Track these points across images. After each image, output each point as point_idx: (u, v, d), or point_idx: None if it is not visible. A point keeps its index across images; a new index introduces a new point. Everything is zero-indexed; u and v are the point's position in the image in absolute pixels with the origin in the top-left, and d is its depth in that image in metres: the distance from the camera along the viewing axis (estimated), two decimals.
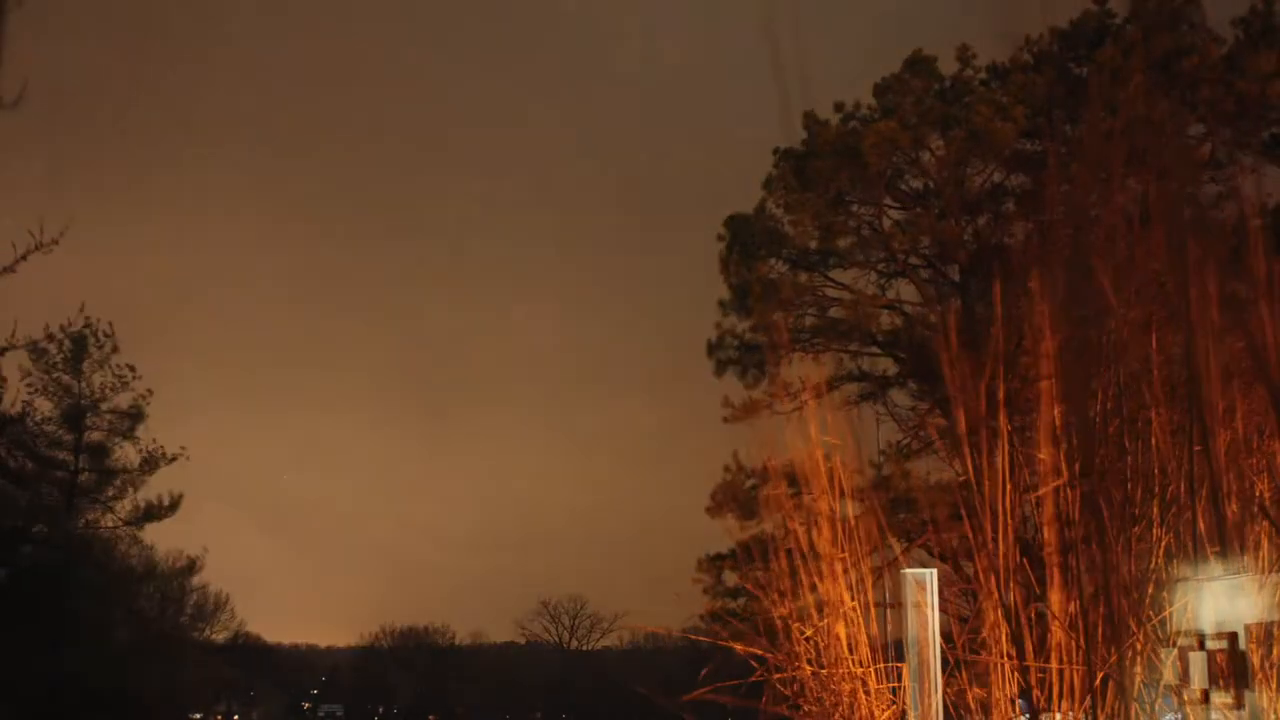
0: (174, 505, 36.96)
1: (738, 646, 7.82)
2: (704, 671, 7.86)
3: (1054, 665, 6.67)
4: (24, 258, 11.60)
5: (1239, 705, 5.44)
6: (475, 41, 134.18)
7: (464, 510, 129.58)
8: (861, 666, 7.45)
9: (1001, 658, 6.85)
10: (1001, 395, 7.17)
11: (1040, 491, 6.99)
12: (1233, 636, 5.54)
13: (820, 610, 7.60)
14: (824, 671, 7.52)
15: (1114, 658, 6.47)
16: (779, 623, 7.75)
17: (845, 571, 7.58)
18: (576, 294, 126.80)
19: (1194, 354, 6.51)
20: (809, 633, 7.57)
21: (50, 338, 34.47)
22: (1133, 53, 18.62)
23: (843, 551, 7.59)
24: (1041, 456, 6.90)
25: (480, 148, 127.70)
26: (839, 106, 22.37)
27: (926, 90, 21.70)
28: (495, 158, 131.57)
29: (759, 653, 7.74)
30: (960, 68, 21.84)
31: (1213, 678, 5.63)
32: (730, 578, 22.26)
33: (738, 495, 21.26)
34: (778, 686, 7.67)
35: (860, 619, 7.54)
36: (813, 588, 7.66)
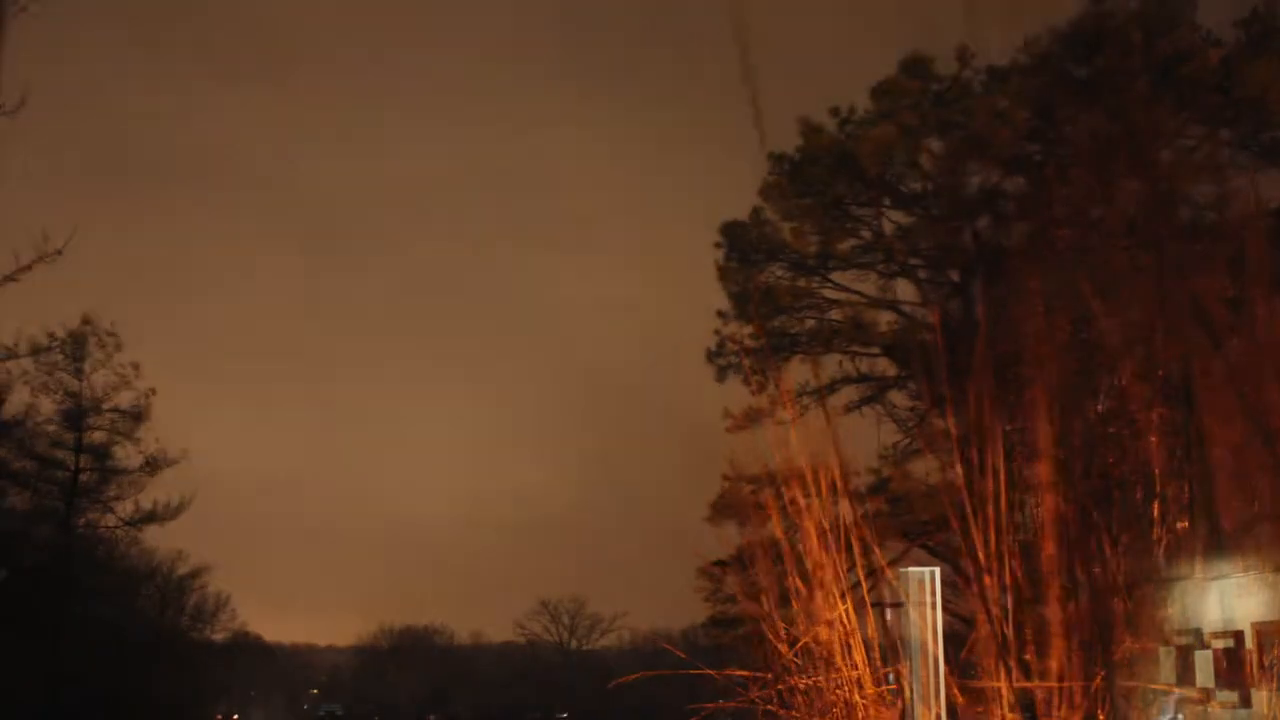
0: (180, 508, 36.85)
1: (731, 672, 7.80)
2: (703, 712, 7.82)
3: (1052, 673, 6.68)
4: (29, 267, 11.53)
5: (1244, 704, 5.45)
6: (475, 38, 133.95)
7: (466, 508, 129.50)
8: (855, 670, 7.44)
9: (998, 680, 6.85)
10: (996, 398, 7.18)
11: (1038, 494, 7.01)
12: (1239, 635, 5.55)
13: (809, 617, 7.59)
14: (813, 680, 7.51)
15: (1114, 656, 6.48)
16: (770, 629, 7.73)
17: (836, 577, 7.57)
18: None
19: (1192, 356, 6.53)
20: (802, 639, 7.56)
21: (52, 337, 34.41)
22: (1132, 56, 18.62)
23: (833, 556, 7.58)
24: (1039, 464, 6.91)
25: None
26: (835, 111, 22.36)
27: (924, 93, 21.68)
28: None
29: (750, 675, 7.72)
30: (959, 68, 21.80)
31: (1217, 677, 5.64)
32: (730, 584, 22.31)
33: (735, 503, 21.26)
34: (772, 701, 7.66)
35: (855, 622, 7.52)
36: (798, 594, 7.65)
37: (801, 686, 7.48)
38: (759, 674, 7.59)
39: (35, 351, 32.84)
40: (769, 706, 7.54)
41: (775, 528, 7.89)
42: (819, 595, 7.44)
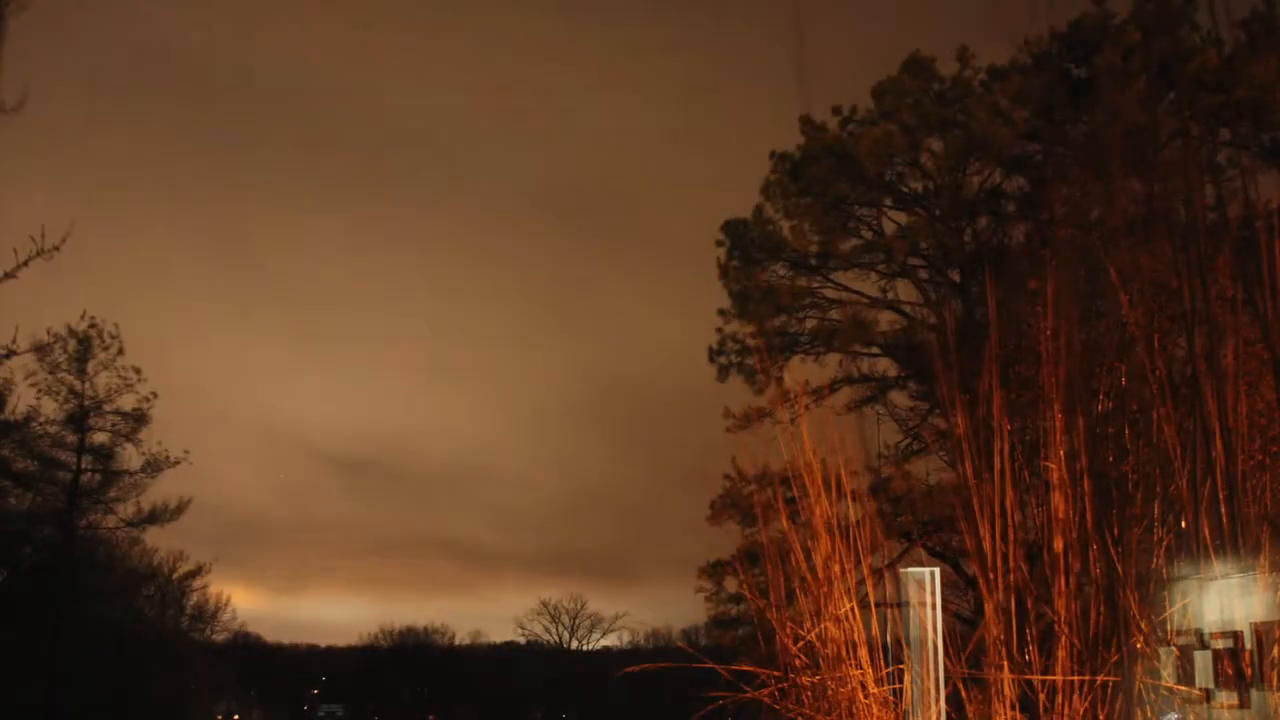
0: (180, 509, 36.97)
1: (739, 666, 7.80)
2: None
3: (1057, 671, 6.69)
4: (26, 263, 11.49)
5: (1244, 704, 5.46)
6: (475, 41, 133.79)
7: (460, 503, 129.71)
8: (860, 669, 7.45)
9: (1002, 670, 6.86)
10: (1001, 397, 7.19)
11: (1042, 494, 7.02)
12: (1238, 636, 5.56)
13: (817, 615, 7.59)
14: (819, 678, 7.51)
15: (1115, 658, 6.49)
16: (776, 628, 7.74)
17: (843, 575, 7.58)
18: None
19: (1196, 354, 6.53)
20: (809, 635, 7.57)
21: (56, 338, 34.53)
22: (1133, 55, 18.65)
23: (839, 555, 7.59)
24: (1046, 463, 6.92)
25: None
26: (837, 110, 22.42)
27: (924, 92, 21.72)
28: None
29: (759, 670, 7.73)
30: (959, 69, 21.86)
31: (1217, 677, 5.65)
32: (731, 584, 22.36)
33: (738, 502, 21.31)
34: (776, 698, 7.66)
35: (859, 621, 7.53)
36: (807, 591, 7.66)
37: (807, 684, 7.48)
38: (767, 670, 7.60)
39: (38, 349, 32.99)
40: (778, 704, 7.54)
41: (784, 522, 7.91)
42: (826, 590, 7.45)
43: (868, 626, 7.44)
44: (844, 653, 7.37)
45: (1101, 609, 6.57)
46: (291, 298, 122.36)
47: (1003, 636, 6.85)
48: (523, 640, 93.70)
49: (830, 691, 7.39)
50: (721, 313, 23.13)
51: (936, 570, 8.10)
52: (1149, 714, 6.60)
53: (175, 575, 47.06)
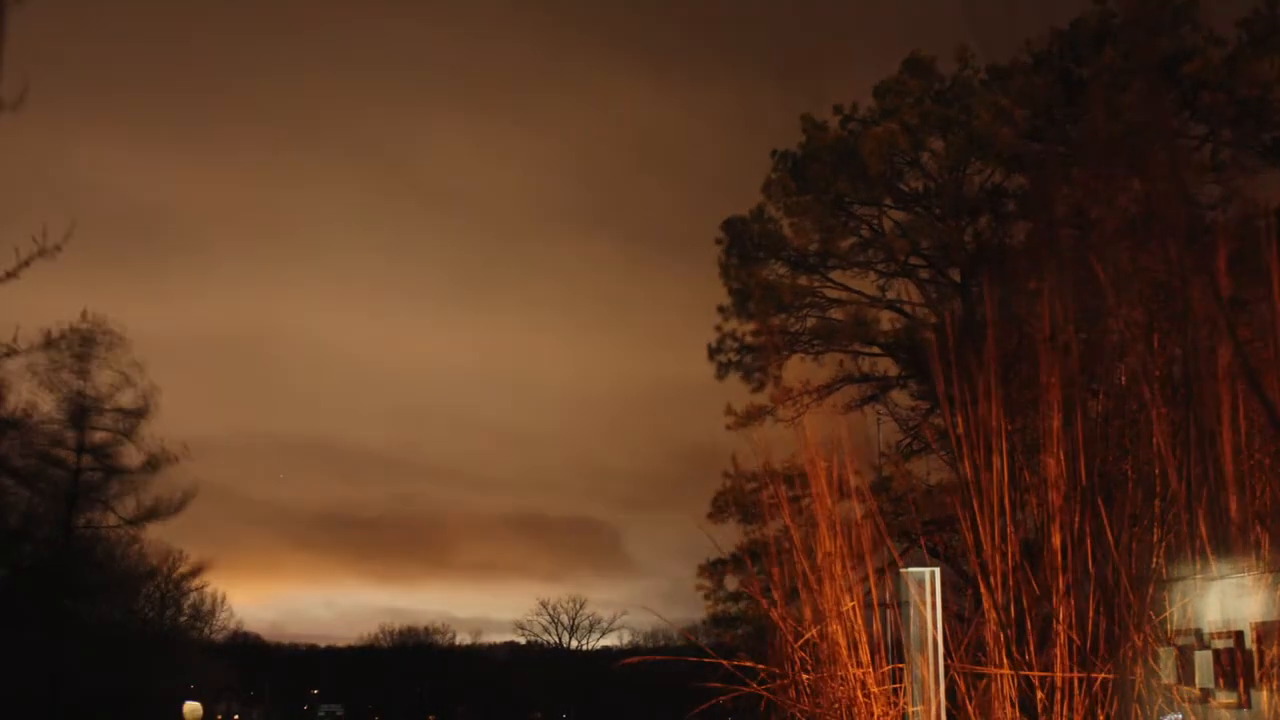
0: (182, 504, 36.73)
1: (734, 663, 7.79)
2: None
3: (1056, 669, 6.68)
4: (27, 263, 11.40)
5: (1244, 704, 5.45)
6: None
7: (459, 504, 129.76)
8: (860, 668, 7.44)
9: (1002, 667, 6.85)
10: (1001, 396, 7.18)
11: (1041, 493, 7.01)
12: (1238, 635, 5.54)
13: (818, 613, 7.59)
14: (819, 676, 7.50)
15: (1118, 657, 6.48)
16: (778, 626, 7.73)
17: (844, 573, 7.57)
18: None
19: (1193, 354, 6.52)
20: (809, 634, 7.56)
21: (59, 334, 34.43)
22: (1133, 55, 18.63)
23: (841, 553, 7.58)
24: (1045, 459, 6.91)
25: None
26: (838, 109, 22.41)
27: (925, 92, 21.71)
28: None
29: (757, 667, 7.71)
30: (960, 68, 21.85)
31: (1217, 677, 5.63)
32: (731, 582, 22.35)
33: (738, 500, 21.28)
34: (777, 695, 7.65)
35: (859, 620, 7.53)
36: (809, 589, 7.65)
37: (807, 683, 7.48)
38: (770, 668, 7.59)
39: (46, 346, 32.99)
40: (779, 699, 7.54)
41: (786, 519, 7.91)
42: (829, 588, 7.44)
43: (869, 624, 7.43)
44: (844, 652, 7.36)
45: (1101, 609, 6.57)
46: None
47: (1001, 635, 6.84)
48: (523, 640, 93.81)
49: (829, 689, 7.38)
50: (721, 308, 23.12)
51: (937, 570, 8.08)
52: (1149, 714, 6.59)
53: (175, 574, 47.00)
